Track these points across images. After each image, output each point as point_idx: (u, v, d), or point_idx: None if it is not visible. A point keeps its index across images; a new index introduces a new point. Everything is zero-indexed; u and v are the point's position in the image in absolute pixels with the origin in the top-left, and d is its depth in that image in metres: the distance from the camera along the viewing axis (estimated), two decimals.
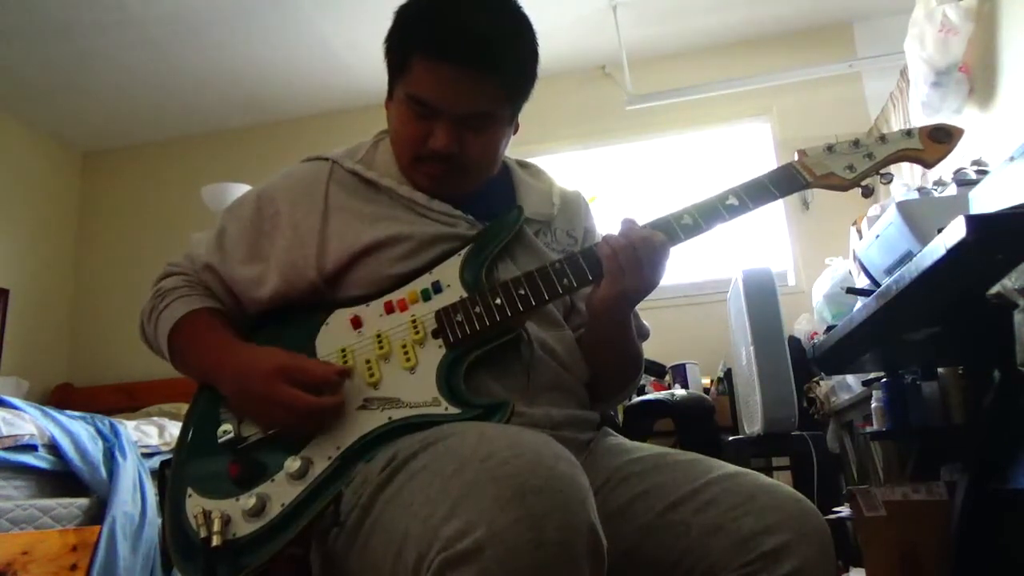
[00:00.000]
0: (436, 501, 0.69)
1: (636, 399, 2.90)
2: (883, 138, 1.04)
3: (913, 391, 2.11)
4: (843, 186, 1.02)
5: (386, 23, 1.01)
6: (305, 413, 0.90)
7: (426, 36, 0.96)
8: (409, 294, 0.99)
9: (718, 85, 3.76)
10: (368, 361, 0.95)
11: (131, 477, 2.49)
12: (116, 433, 2.57)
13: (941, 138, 1.03)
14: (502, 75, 0.98)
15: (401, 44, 1.00)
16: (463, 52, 0.95)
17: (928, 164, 1.04)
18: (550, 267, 0.96)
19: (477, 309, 0.94)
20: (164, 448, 2.81)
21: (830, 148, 1.04)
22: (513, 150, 1.12)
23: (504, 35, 0.98)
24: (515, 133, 1.09)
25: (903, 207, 1.64)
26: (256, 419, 0.94)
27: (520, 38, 1.01)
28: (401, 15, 1.00)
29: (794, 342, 2.95)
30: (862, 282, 2.28)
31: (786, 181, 1.02)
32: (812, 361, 2.72)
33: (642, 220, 0.99)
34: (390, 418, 0.89)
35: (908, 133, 1.04)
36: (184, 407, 1.18)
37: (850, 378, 2.63)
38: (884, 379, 2.19)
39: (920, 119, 2.64)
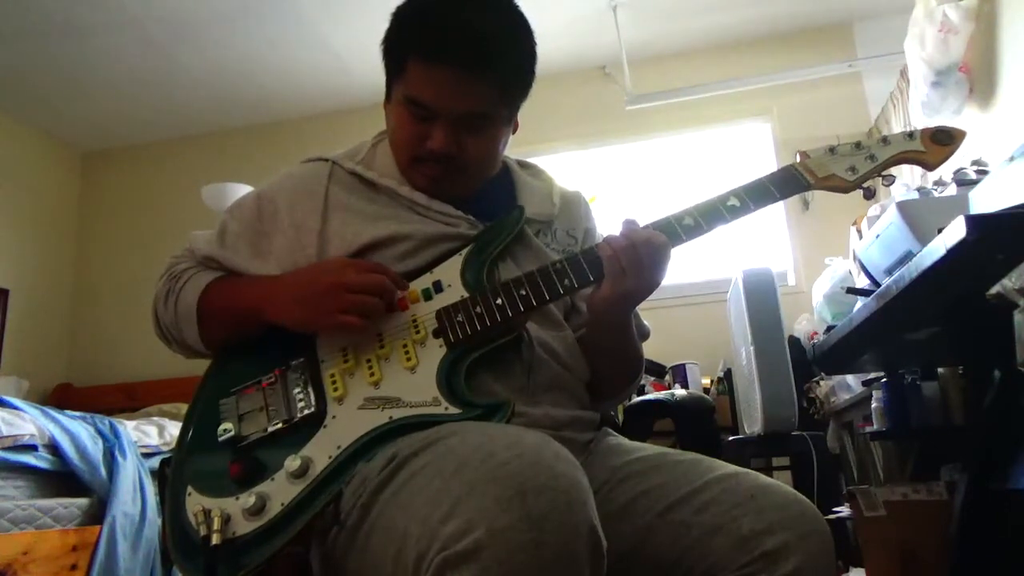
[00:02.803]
0: (436, 501, 0.69)
1: (636, 399, 2.90)
2: (885, 140, 1.04)
3: (913, 391, 2.11)
4: (845, 188, 1.02)
5: (386, 24, 1.01)
6: (382, 289, 0.94)
7: (421, 38, 0.97)
8: (410, 293, 0.99)
9: (718, 85, 3.76)
10: (369, 360, 0.95)
11: (131, 477, 2.49)
12: (116, 433, 2.57)
13: (943, 140, 1.03)
14: (498, 75, 0.98)
15: (397, 46, 1.00)
16: (458, 53, 0.95)
17: (930, 166, 1.03)
18: (551, 267, 0.96)
19: (478, 309, 0.94)
20: (164, 448, 2.81)
21: (832, 150, 1.04)
22: (513, 150, 1.12)
23: (500, 35, 0.98)
24: (514, 132, 1.09)
25: (903, 207, 1.64)
26: (321, 317, 0.95)
27: (516, 38, 1.01)
28: (397, 17, 1.00)
29: (794, 342, 2.96)
30: (862, 282, 2.28)
31: (788, 182, 1.02)
32: (812, 361, 2.73)
33: (642, 220, 0.99)
34: (391, 417, 0.89)
35: (910, 135, 1.04)
36: (184, 407, 1.19)
37: (850, 378, 2.63)
38: (884, 379, 2.19)
39: (920, 119, 2.65)
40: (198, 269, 1.07)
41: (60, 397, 4.15)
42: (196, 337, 1.04)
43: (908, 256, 1.57)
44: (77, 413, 2.62)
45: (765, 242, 3.81)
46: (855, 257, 2.43)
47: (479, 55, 0.95)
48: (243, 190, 3.49)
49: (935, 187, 2.04)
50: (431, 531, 0.67)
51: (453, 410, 0.88)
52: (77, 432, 2.43)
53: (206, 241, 1.08)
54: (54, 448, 2.35)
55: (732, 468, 0.91)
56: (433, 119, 0.98)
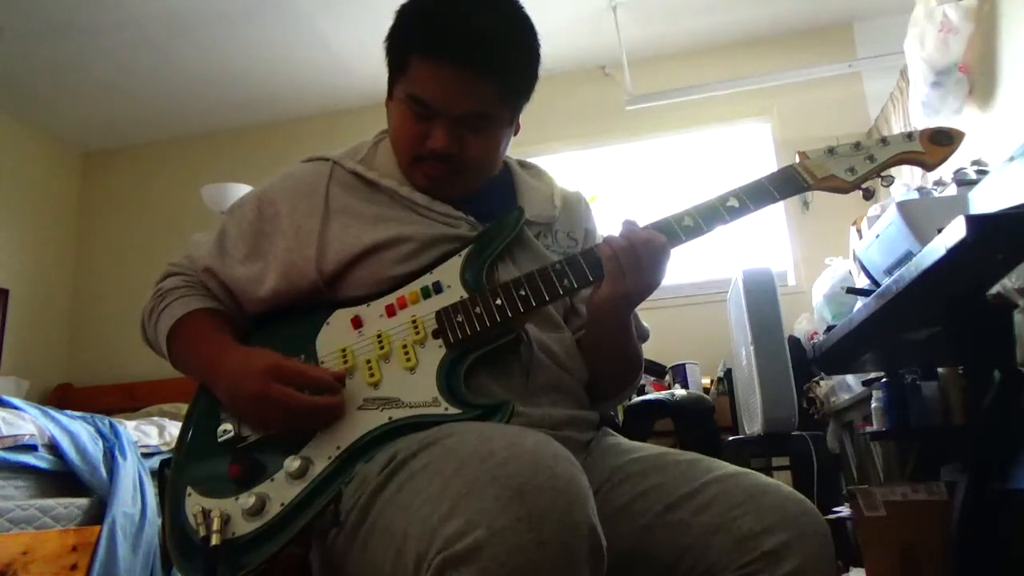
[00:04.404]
0: (436, 501, 0.70)
1: (636, 399, 2.90)
2: (884, 141, 1.04)
3: (913, 391, 2.11)
4: (844, 189, 1.02)
5: (386, 23, 1.01)
6: (300, 412, 0.90)
7: (424, 35, 0.96)
8: (410, 294, 0.99)
9: (718, 85, 3.76)
10: (368, 361, 0.95)
11: (131, 477, 2.49)
12: (116, 433, 2.57)
13: (942, 141, 1.03)
14: (501, 75, 0.98)
15: (400, 43, 1.00)
16: (461, 52, 0.95)
17: (929, 167, 1.03)
18: (551, 268, 0.96)
19: (478, 310, 0.94)
20: (164, 448, 2.81)
21: (831, 150, 1.04)
22: (513, 150, 1.12)
23: (503, 34, 0.98)
24: (516, 134, 1.09)
25: (903, 207, 1.64)
26: (251, 420, 0.94)
27: (520, 38, 1.01)
28: (401, 14, 1.00)
29: (794, 342, 2.95)
30: (862, 282, 2.28)
31: (787, 183, 1.01)
32: (812, 361, 2.73)
33: (642, 221, 0.99)
34: (390, 418, 0.89)
35: (909, 136, 1.04)
36: (184, 407, 1.19)
37: (850, 378, 2.63)
38: (884, 379, 2.19)
39: (920, 119, 2.65)
40: (182, 292, 1.07)
41: (60, 397, 4.15)
42: (171, 363, 1.06)
43: (908, 256, 1.57)
44: (77, 413, 2.61)
45: (765, 242, 3.81)
46: (855, 257, 2.43)
47: (482, 54, 0.95)
48: (243, 190, 3.49)
49: (935, 187, 2.04)
50: (431, 531, 0.67)
51: (452, 410, 0.88)
52: (77, 432, 2.43)
53: (206, 249, 1.08)
54: (54, 448, 2.35)
55: (731, 468, 0.91)
56: (434, 118, 0.98)
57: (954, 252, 1.15)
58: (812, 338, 2.96)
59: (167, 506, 0.93)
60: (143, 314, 1.09)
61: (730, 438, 2.88)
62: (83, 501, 2.38)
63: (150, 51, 3.76)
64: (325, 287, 1.02)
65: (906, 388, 2.12)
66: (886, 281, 1.50)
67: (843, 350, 1.86)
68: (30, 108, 4.24)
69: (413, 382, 0.92)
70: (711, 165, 4.01)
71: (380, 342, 0.96)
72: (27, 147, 4.40)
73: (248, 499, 0.86)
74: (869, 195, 1.04)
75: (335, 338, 0.98)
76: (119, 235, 4.58)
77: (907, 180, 2.68)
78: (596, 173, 4.14)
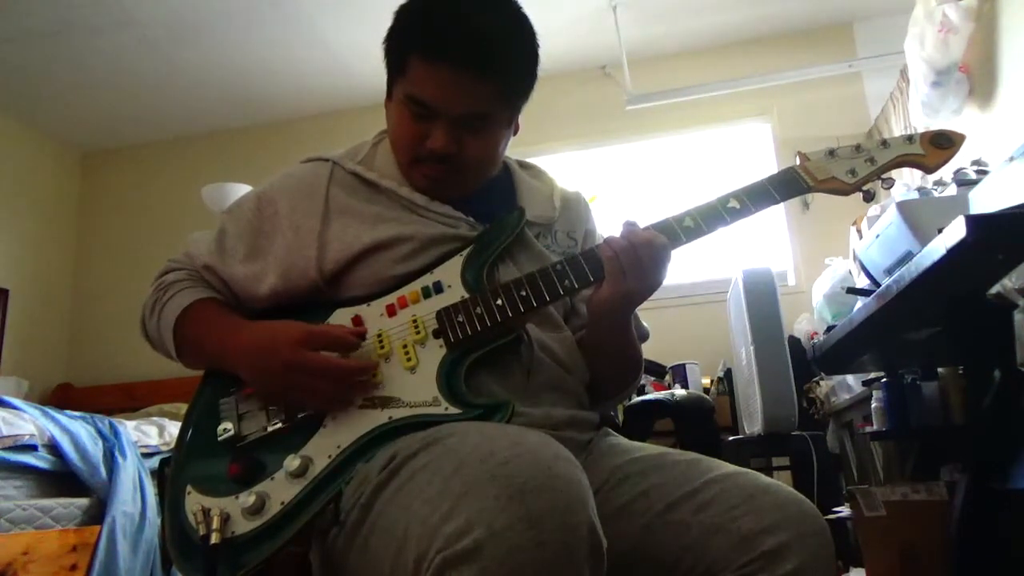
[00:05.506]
0: (436, 500, 0.70)
1: (636, 399, 2.90)
2: (884, 143, 1.04)
3: (913, 391, 2.11)
4: (845, 191, 1.02)
5: (386, 23, 1.01)
6: (336, 376, 0.91)
7: (423, 36, 0.96)
8: (410, 294, 0.99)
9: (718, 85, 3.76)
10: None
11: (131, 477, 2.49)
12: (116, 433, 2.57)
13: (942, 144, 1.03)
14: (500, 75, 0.98)
15: (399, 44, 1.00)
16: (460, 52, 0.95)
17: (929, 169, 1.04)
18: (551, 268, 0.96)
19: (478, 310, 0.94)
20: (164, 448, 2.81)
21: (832, 152, 1.04)
22: (513, 150, 1.12)
23: (502, 35, 0.98)
24: (515, 134, 1.09)
25: (903, 207, 1.64)
26: (281, 394, 0.93)
27: (519, 38, 1.01)
28: (400, 15, 1.00)
29: (794, 342, 2.96)
30: (862, 282, 2.28)
31: (788, 185, 1.02)
32: (812, 361, 2.73)
33: (643, 221, 0.99)
34: (390, 417, 0.90)
35: (909, 138, 1.04)
36: (184, 407, 1.19)
37: (850, 378, 2.63)
38: (884, 379, 2.19)
39: (920, 119, 2.65)
40: (185, 284, 1.06)
41: (60, 397, 4.15)
42: (176, 356, 1.05)
43: (908, 256, 1.57)
44: (77, 413, 2.61)
45: (765, 242, 3.81)
46: (855, 257, 2.43)
47: (481, 55, 0.95)
48: (243, 190, 3.49)
49: (935, 187, 2.04)
50: (431, 531, 0.67)
51: (453, 410, 0.89)
52: (77, 432, 2.43)
53: (206, 247, 1.08)
54: (54, 448, 2.35)
55: (731, 468, 0.91)
56: (433, 118, 0.98)
57: (954, 252, 1.15)
58: (812, 338, 2.96)
59: (167, 505, 0.93)
60: (143, 309, 1.09)
61: (730, 438, 2.89)
62: (83, 501, 2.38)
63: (150, 51, 3.76)
64: (326, 286, 1.02)
65: (906, 388, 2.12)
66: (886, 281, 1.50)
67: (843, 350, 1.86)
68: (30, 108, 4.24)
69: (413, 382, 0.92)
70: (711, 165, 4.01)
71: (380, 342, 0.96)
72: (27, 147, 4.40)
73: (248, 498, 0.86)
74: (869, 197, 1.04)
75: None
76: (119, 235, 4.58)
77: (907, 180, 2.68)
78: (596, 173, 4.13)
